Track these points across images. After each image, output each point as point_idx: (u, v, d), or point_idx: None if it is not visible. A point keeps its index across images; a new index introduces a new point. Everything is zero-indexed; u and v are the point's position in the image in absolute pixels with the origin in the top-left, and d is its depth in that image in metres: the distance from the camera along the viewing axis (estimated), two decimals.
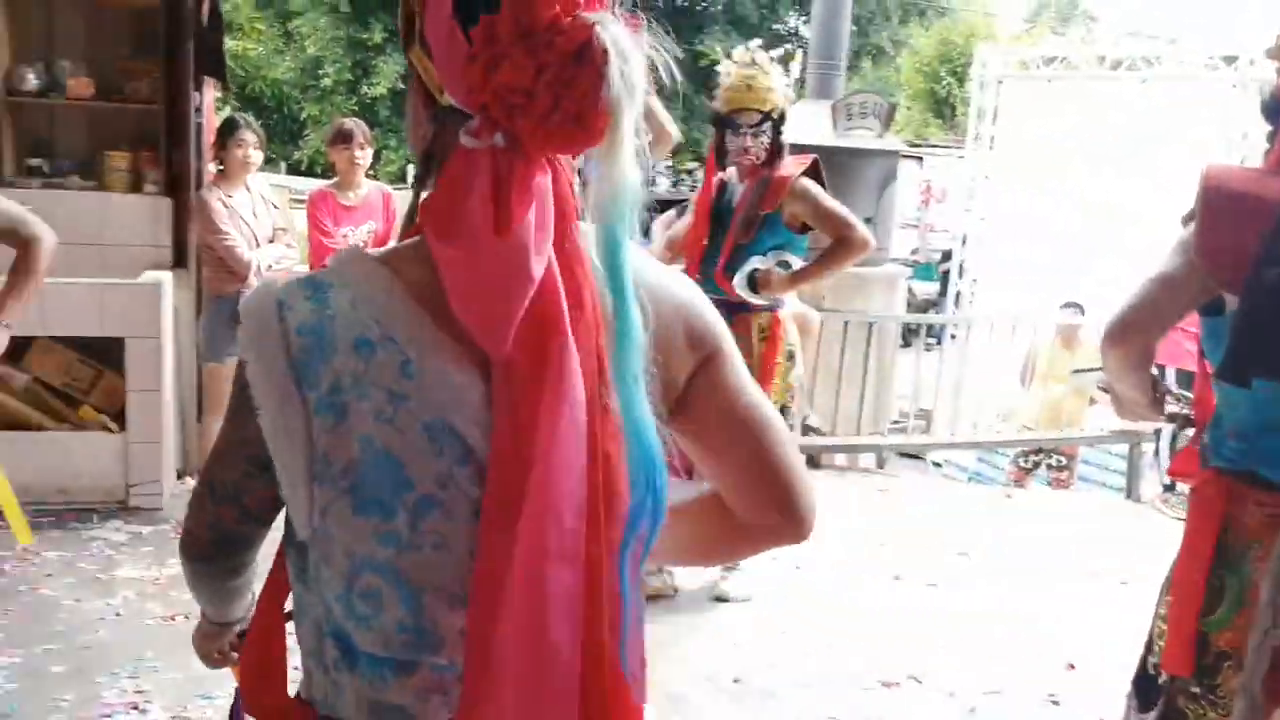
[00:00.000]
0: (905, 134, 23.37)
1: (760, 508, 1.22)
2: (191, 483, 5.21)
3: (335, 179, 5.29)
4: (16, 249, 2.88)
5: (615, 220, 0.99)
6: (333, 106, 19.79)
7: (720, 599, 4.14)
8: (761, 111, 3.84)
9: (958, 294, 10.76)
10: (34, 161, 5.18)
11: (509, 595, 0.95)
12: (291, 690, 1.16)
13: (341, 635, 1.04)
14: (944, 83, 25.98)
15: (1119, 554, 4.94)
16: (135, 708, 3.16)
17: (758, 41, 4.02)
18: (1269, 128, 1.94)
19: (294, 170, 19.22)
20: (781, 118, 3.89)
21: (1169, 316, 1.96)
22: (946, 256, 14.70)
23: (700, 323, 1.16)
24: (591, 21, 0.96)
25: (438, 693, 1.04)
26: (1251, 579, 1.86)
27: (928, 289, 17.73)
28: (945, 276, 13.42)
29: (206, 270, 4.90)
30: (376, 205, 5.24)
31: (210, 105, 5.63)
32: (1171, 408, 2.15)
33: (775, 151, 3.88)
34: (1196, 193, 1.88)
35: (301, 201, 6.13)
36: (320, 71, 20.29)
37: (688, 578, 4.27)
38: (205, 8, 5.18)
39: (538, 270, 0.98)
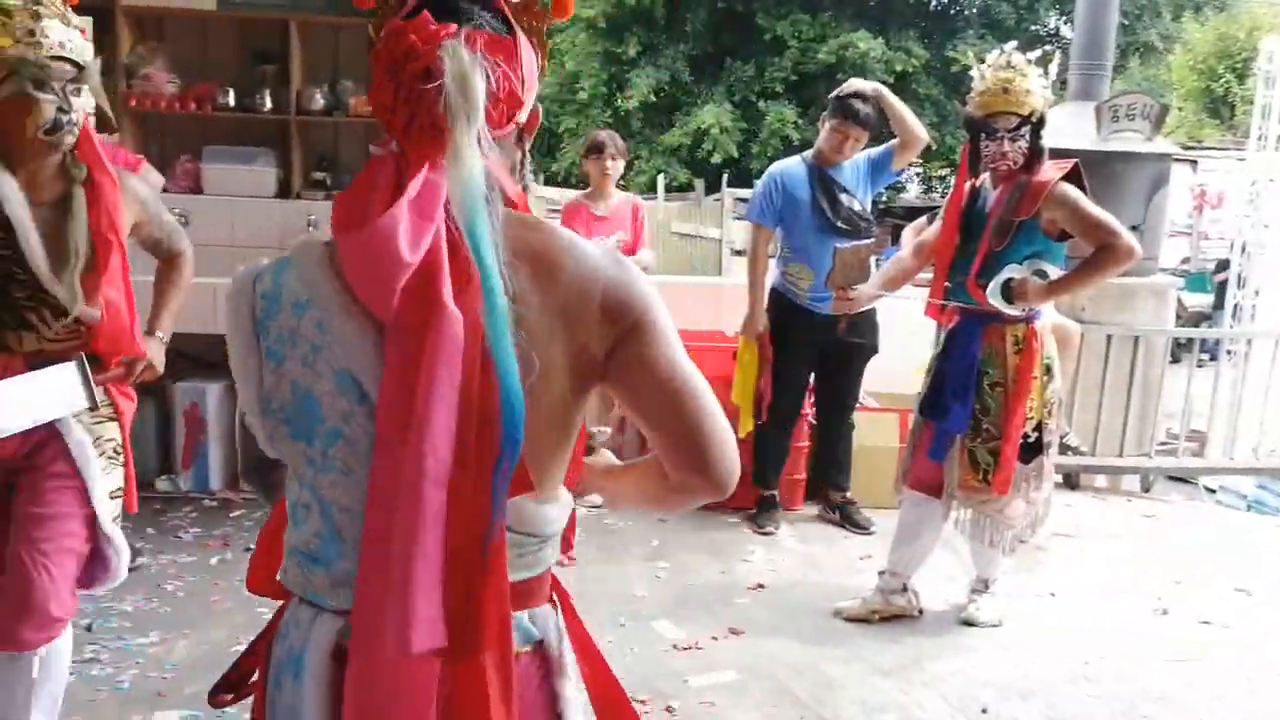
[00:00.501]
0: (1177, 136, 21.98)
1: (682, 469, 1.39)
2: None
3: (588, 189, 5.40)
4: (161, 261, 2.91)
5: (469, 213, 1.22)
6: (588, 119, 20.33)
7: (968, 623, 3.97)
8: (1019, 115, 3.67)
9: (1236, 306, 10.05)
10: (318, 175, 5.55)
11: (394, 510, 1.19)
12: None
13: (289, 536, 1.36)
14: (1222, 80, 24.29)
15: None
16: None
17: (1013, 44, 3.84)
18: None
19: (551, 181, 19.85)
20: (1041, 121, 3.70)
21: None
22: (1221, 266, 13.72)
23: (618, 297, 1.34)
24: (437, 48, 1.22)
25: (344, 586, 1.28)
26: None
27: (1200, 301, 16.62)
28: (1220, 288, 12.54)
29: None
30: (626, 216, 5.31)
31: None
32: None
33: (1034, 156, 3.70)
34: None
35: (557, 211, 6.31)
36: (578, 85, 20.90)
37: (933, 599, 4.12)
38: None
39: (409, 254, 1.20)
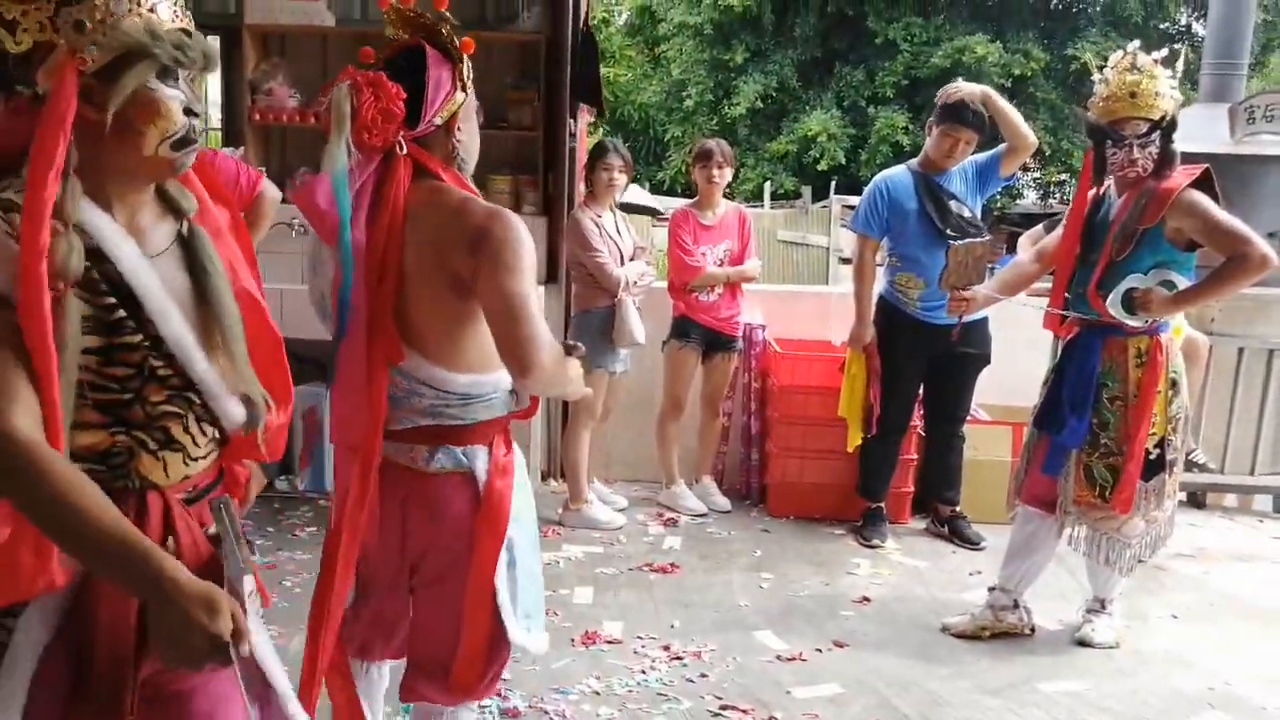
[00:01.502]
0: None
1: (506, 362, 2.16)
2: (554, 484, 5.48)
3: (695, 198, 5.38)
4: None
5: (337, 187, 2.11)
6: (694, 127, 20.31)
7: (1083, 643, 3.84)
8: (1149, 120, 3.53)
9: None
10: None
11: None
12: None
13: None
14: None
15: None
16: None
17: (1137, 43, 3.69)
18: None
19: (657, 190, 19.88)
20: (1172, 125, 3.56)
21: None
22: None
23: (478, 238, 2.09)
24: (340, 82, 2.11)
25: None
26: None
27: None
28: None
29: (576, 285, 5.12)
30: (733, 225, 5.27)
31: (583, 130, 5.89)
32: None
33: (1164, 162, 3.56)
34: None
35: (664, 220, 6.31)
36: (684, 93, 20.88)
37: (1046, 618, 3.99)
38: (582, 39, 5.45)
39: (324, 205, 2.16)
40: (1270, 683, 3.61)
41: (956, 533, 4.96)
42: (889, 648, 3.80)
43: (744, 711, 3.29)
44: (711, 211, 5.27)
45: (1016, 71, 18.32)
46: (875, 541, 4.87)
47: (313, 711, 2.06)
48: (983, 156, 4.84)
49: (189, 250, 1.60)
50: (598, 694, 3.38)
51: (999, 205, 19.68)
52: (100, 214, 1.49)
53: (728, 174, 5.30)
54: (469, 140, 2.30)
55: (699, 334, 5.19)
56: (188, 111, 1.54)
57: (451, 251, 2.11)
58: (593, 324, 4.93)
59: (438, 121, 2.20)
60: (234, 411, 1.62)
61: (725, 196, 5.46)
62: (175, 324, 1.53)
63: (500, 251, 2.07)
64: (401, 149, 2.17)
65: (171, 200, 1.61)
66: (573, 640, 3.72)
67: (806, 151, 19.12)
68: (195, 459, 1.61)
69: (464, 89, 2.24)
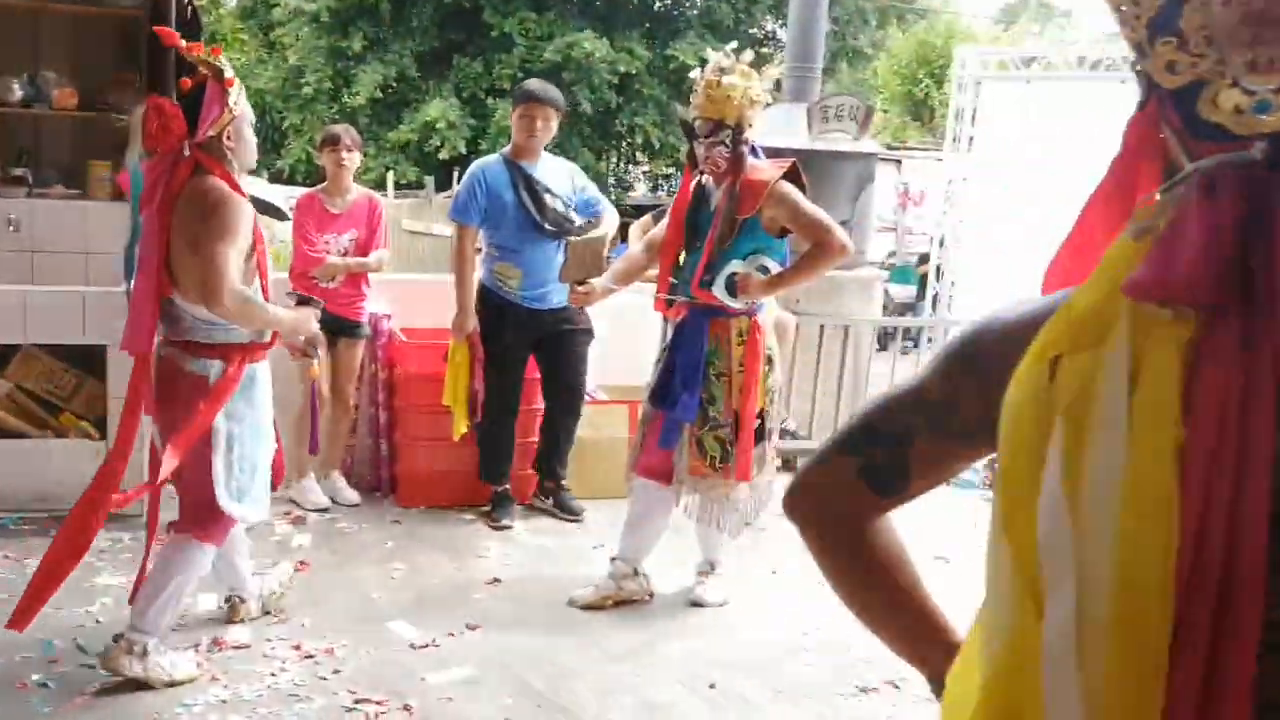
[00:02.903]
0: (883, 137, 23.39)
1: (200, 295, 3.14)
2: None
3: (324, 184, 5.25)
4: None
5: (134, 184, 3.53)
6: (314, 115, 19.74)
7: (696, 604, 4.14)
8: (717, 120, 3.83)
9: (935, 297, 10.77)
10: (18, 171, 5.16)
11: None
12: None
13: None
14: (922, 85, 26.08)
15: None
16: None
17: (732, 45, 3.99)
18: None
19: (276, 179, 19.10)
20: (739, 126, 3.84)
21: None
22: (924, 259, 14.71)
23: (204, 214, 3.12)
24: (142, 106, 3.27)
25: None
26: None
27: (906, 292, 17.74)
28: (923, 280, 13.44)
29: None
30: (362, 213, 5.19)
31: None
32: None
33: (736, 160, 3.85)
34: None
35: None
36: (302, 81, 20.22)
37: (665, 583, 4.26)
38: (189, 16, 5.17)
39: (136, 206, 3.49)
40: (852, 623, 4.03)
41: (560, 505, 5.16)
42: (520, 626, 3.92)
43: (378, 703, 3.29)
44: (340, 198, 5.17)
45: (623, 69, 19.14)
46: (504, 523, 4.98)
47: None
48: (590, 189, 5.07)
49: None
50: (224, 702, 3.26)
51: (612, 198, 20.41)
52: None
53: (356, 158, 5.22)
54: (238, 146, 3.27)
55: (322, 322, 5.07)
56: None
57: (191, 223, 3.15)
58: None
59: (212, 133, 3.19)
60: None
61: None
62: None
63: (210, 220, 3.12)
64: (185, 152, 3.19)
65: None
66: (197, 648, 3.56)
67: (428, 140, 19.05)
68: None
69: (230, 111, 3.20)
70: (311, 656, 3.58)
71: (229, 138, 3.22)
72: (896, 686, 3.52)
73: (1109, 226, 1.01)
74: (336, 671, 3.48)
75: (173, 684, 3.28)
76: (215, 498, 3.26)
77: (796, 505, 1.26)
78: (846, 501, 1.22)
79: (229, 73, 3.22)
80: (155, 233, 3.18)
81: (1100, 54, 10.07)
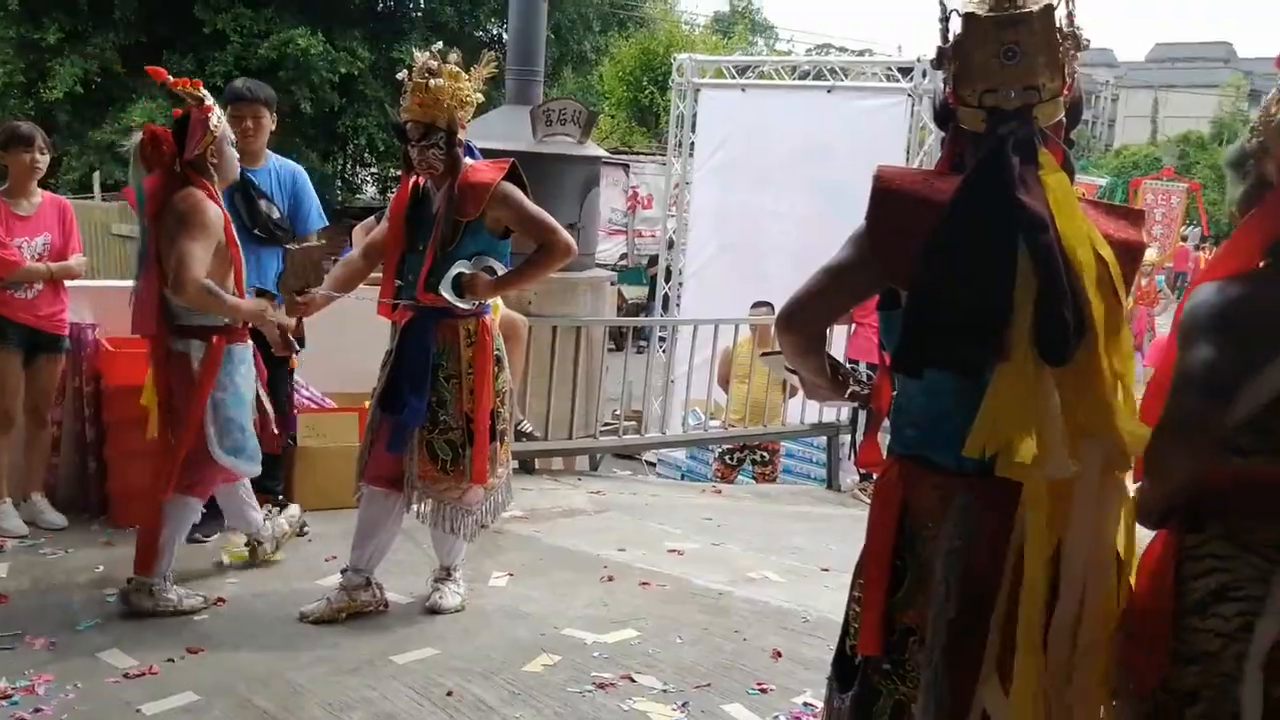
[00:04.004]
0: (611, 141, 23.85)
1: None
2: None
3: (6, 185, 4.84)
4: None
5: (135, 190, 3.87)
6: (6, 110, 18.25)
7: (433, 611, 4.07)
8: (427, 123, 3.78)
9: (665, 297, 11.06)
10: None
11: None
12: None
13: None
14: (646, 91, 26.75)
15: (821, 543, 5.21)
16: None
17: (439, 46, 3.92)
18: (943, 134, 2.06)
19: None
20: (450, 127, 3.80)
21: (837, 306, 2.07)
22: (654, 261, 15.08)
23: (179, 218, 3.74)
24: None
25: None
26: (927, 558, 1.97)
27: (638, 293, 18.17)
28: (653, 281, 13.78)
29: None
30: (52, 216, 4.85)
31: None
32: (854, 388, 2.26)
33: (451, 163, 3.83)
34: (870, 192, 1.97)
35: None
36: None
37: (398, 592, 4.17)
38: None
39: (142, 214, 3.91)
40: (591, 622, 4.09)
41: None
42: (247, 645, 3.74)
43: None
44: (27, 201, 4.80)
45: (344, 69, 18.68)
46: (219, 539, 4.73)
47: None
48: (301, 180, 4.95)
49: None
50: None
51: (340, 200, 19.91)
52: None
53: (47, 161, 4.88)
54: (220, 161, 3.87)
55: (19, 335, 4.71)
56: None
57: (171, 226, 3.73)
58: None
59: (197, 152, 3.78)
60: None
61: (48, 186, 5.00)
62: None
63: (183, 223, 3.72)
64: (177, 168, 3.79)
65: None
66: None
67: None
68: None
69: (212, 133, 3.79)
70: (9, 697, 3.28)
71: (212, 155, 3.83)
72: (633, 680, 3.57)
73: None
74: (38, 710, 3.21)
75: (178, 612, 3.94)
76: (210, 453, 3.92)
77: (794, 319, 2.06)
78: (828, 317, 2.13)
79: (209, 101, 3.82)
80: (153, 237, 3.82)
81: (810, 64, 10.63)
